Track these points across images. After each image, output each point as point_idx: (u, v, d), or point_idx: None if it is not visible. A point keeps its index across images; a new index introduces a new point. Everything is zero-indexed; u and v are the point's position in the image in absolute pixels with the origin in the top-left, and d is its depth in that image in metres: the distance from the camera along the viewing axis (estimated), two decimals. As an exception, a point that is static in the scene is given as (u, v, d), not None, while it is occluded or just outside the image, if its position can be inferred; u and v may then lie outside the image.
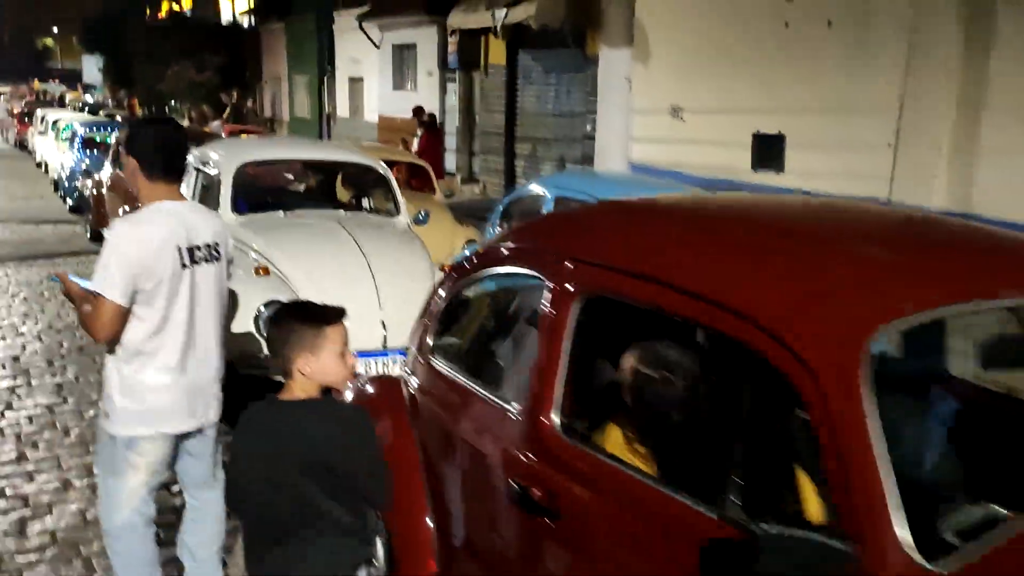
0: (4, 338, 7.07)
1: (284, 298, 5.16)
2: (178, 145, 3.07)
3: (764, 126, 11.30)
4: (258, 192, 7.03)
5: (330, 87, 26.87)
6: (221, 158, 6.41)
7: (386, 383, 3.18)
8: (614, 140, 9.59)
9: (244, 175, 6.39)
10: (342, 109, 26.08)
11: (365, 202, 7.20)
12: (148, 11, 42.55)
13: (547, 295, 2.26)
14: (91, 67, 67.63)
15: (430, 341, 2.88)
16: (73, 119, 18.39)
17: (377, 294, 5.36)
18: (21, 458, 4.78)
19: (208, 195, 6.48)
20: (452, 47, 19.20)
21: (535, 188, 7.09)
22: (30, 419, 5.36)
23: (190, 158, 7.07)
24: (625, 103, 9.54)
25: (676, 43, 11.95)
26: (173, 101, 34.91)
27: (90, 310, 2.84)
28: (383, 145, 14.23)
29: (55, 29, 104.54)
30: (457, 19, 16.35)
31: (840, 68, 10.14)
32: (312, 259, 5.53)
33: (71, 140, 15.83)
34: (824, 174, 10.54)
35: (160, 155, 2.99)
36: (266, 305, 5.14)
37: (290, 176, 8.32)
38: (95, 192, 11.61)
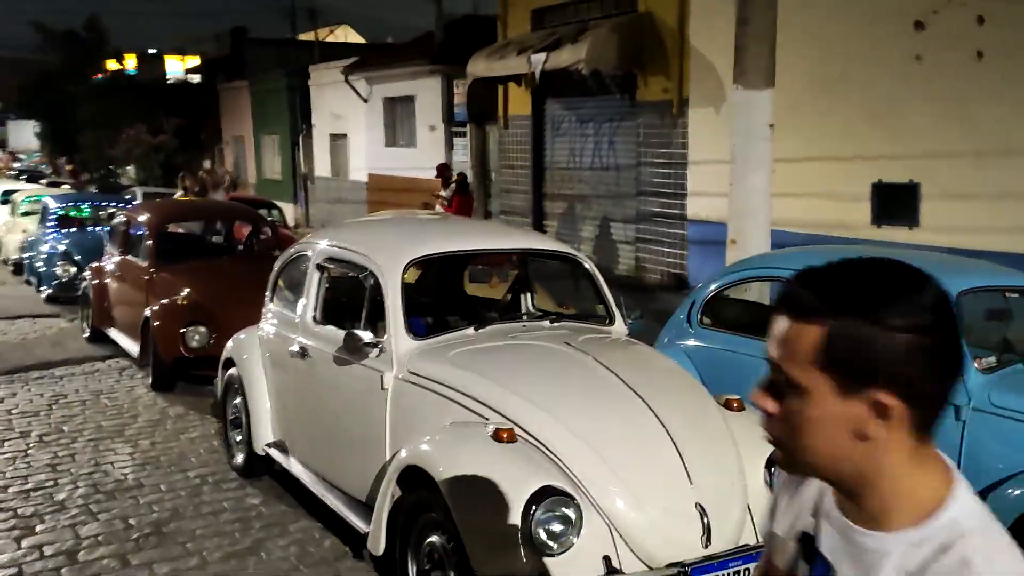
0: (42, 519, 4.98)
1: (562, 484, 3.30)
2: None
3: (889, 174, 9.83)
4: (424, 301, 5.16)
5: (306, 146, 24.96)
6: (374, 253, 4.52)
7: None
8: (754, 198, 7.95)
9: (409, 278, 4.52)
10: (322, 169, 24.16)
11: (530, 301, 5.34)
12: (86, 73, 40.10)
13: None
14: (19, 133, 64.50)
15: None
16: (36, 192, 16.13)
17: (683, 462, 3.51)
18: None
19: (354, 312, 4.59)
20: (460, 98, 17.60)
21: (765, 270, 5.37)
22: None
23: (308, 252, 5.19)
24: (766, 155, 7.92)
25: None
26: (116, 167, 32.58)
27: None
28: (430, 212, 12.38)
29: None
30: (479, 67, 14.71)
31: (997, 105, 8.74)
32: (578, 411, 3.66)
33: (42, 217, 13.61)
34: (975, 229, 9.07)
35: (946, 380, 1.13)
36: (538, 499, 3.24)
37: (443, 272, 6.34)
38: (95, 283, 9.50)
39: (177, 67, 39.25)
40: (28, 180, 33.85)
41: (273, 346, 5.33)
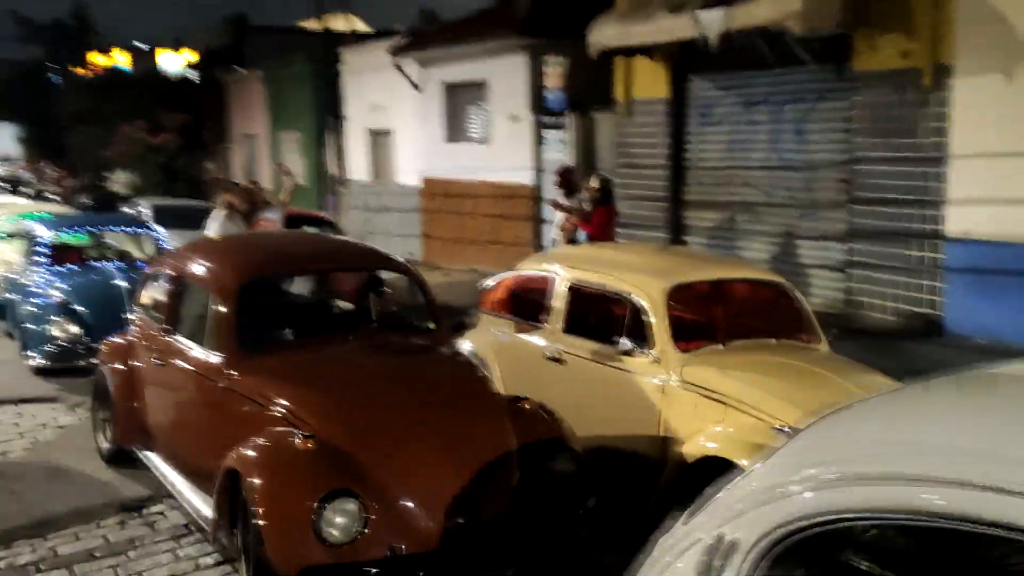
0: None
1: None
2: None
3: None
4: None
5: (337, 144, 21.22)
6: None
7: None
8: None
9: None
10: (358, 170, 20.43)
11: None
12: (74, 66, 36.17)
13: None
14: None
15: None
16: (22, 208, 12.37)
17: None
18: None
19: None
20: (554, 80, 13.91)
21: None
22: None
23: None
24: None
25: None
26: (108, 172, 28.79)
27: None
28: (717, 257, 8.40)
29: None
30: (609, 33, 11.04)
31: None
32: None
33: (28, 247, 9.85)
34: None
35: None
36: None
37: None
38: (118, 371, 5.81)
39: (174, 62, 35.32)
40: (11, 191, 29.66)
41: None
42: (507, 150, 14.97)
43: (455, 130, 16.75)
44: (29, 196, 26.96)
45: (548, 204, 10.94)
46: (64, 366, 8.21)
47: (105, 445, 6.06)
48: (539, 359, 5.81)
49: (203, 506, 4.67)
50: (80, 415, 7.26)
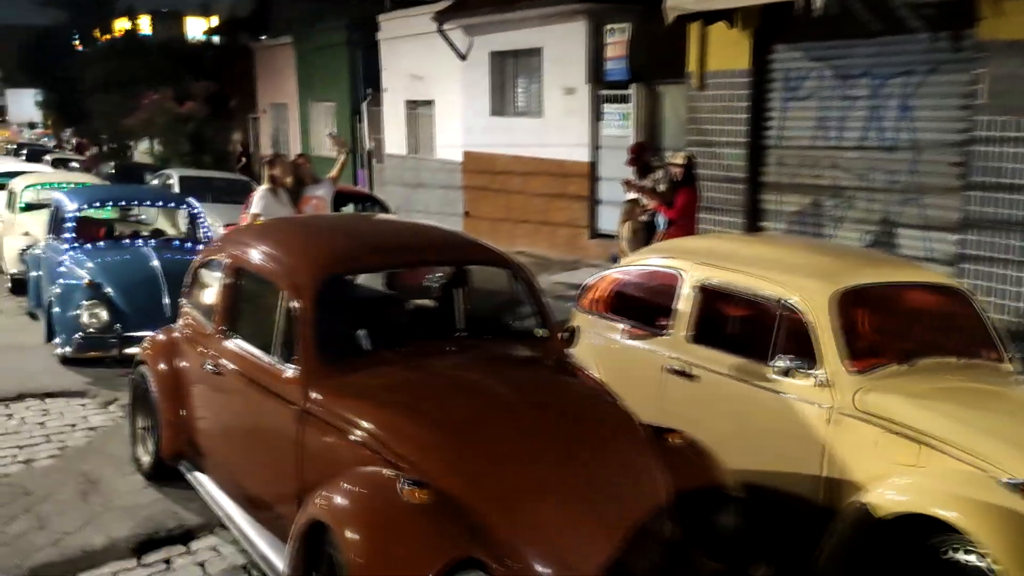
0: None
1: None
2: None
3: None
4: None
5: (372, 115, 20.28)
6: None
7: None
8: None
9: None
10: (394, 144, 19.48)
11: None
12: (96, 31, 35.30)
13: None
14: (18, 103, 60.01)
15: None
16: (44, 178, 11.50)
17: None
18: None
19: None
20: (615, 49, 12.91)
21: None
22: None
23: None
24: None
25: None
26: (132, 141, 28.01)
27: None
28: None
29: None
30: (690, -3, 10.00)
31: None
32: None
33: (52, 222, 8.97)
34: None
35: None
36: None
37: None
38: (163, 372, 4.92)
39: (200, 27, 34.35)
40: (29, 158, 28.70)
41: None
42: (561, 125, 13.98)
43: (503, 102, 15.76)
44: (51, 165, 26.20)
45: (621, 184, 9.93)
46: (94, 356, 7.36)
47: (145, 458, 5.19)
48: (657, 371, 4.89)
49: (266, 547, 3.81)
50: (113, 414, 6.44)
